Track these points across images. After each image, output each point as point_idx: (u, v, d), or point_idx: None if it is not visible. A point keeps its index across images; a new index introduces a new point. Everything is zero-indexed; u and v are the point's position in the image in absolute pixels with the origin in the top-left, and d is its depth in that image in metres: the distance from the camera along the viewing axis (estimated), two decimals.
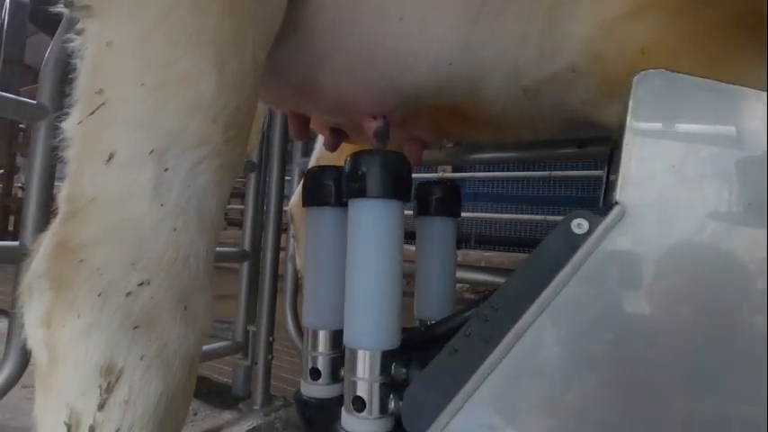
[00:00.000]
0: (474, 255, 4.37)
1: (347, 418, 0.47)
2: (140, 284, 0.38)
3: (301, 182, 1.00)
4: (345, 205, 0.52)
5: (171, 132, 0.39)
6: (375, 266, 0.48)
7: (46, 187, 0.97)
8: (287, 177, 1.44)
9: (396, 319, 0.49)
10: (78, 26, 0.40)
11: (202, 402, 1.36)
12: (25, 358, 0.98)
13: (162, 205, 0.39)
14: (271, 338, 1.43)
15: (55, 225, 0.40)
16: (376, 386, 0.47)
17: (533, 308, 0.40)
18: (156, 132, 0.38)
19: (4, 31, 1.69)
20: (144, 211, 0.38)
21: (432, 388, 0.43)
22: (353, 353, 0.48)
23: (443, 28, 0.49)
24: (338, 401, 0.51)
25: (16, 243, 0.95)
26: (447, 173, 4.67)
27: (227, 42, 0.40)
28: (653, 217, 0.41)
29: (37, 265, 0.41)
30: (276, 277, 1.43)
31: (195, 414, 1.29)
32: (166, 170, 0.39)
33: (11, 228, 4.08)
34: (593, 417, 0.40)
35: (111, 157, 0.38)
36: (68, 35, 0.41)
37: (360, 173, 0.47)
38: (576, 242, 0.40)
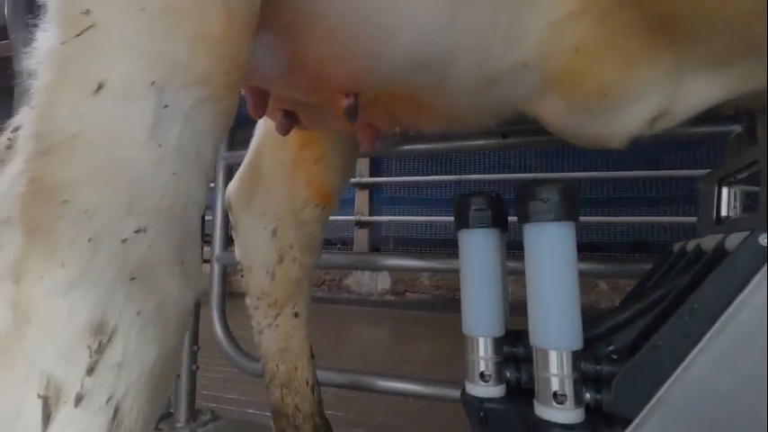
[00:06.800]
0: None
1: (544, 410, 0.56)
2: (137, 231, 0.33)
3: (241, 167, 0.94)
4: (497, 227, 0.65)
5: (175, 63, 0.34)
6: (563, 279, 0.57)
7: None
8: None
9: (579, 323, 0.57)
10: None
11: None
12: None
13: (160, 145, 0.34)
14: (195, 347, 1.31)
15: (21, 163, 0.33)
16: (569, 381, 0.55)
17: (731, 309, 0.46)
18: (159, 62, 0.34)
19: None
20: (140, 149, 0.33)
21: (642, 377, 0.51)
22: (545, 353, 0.57)
23: (426, 4, 0.49)
24: (505, 399, 0.62)
25: None
26: (363, 178, 4.72)
27: None
28: None
29: None
30: None
31: None
32: (166, 107, 0.34)
33: None
34: None
35: (99, 87, 0.32)
36: None
37: (544, 199, 0.56)
38: (764, 253, 0.47)
